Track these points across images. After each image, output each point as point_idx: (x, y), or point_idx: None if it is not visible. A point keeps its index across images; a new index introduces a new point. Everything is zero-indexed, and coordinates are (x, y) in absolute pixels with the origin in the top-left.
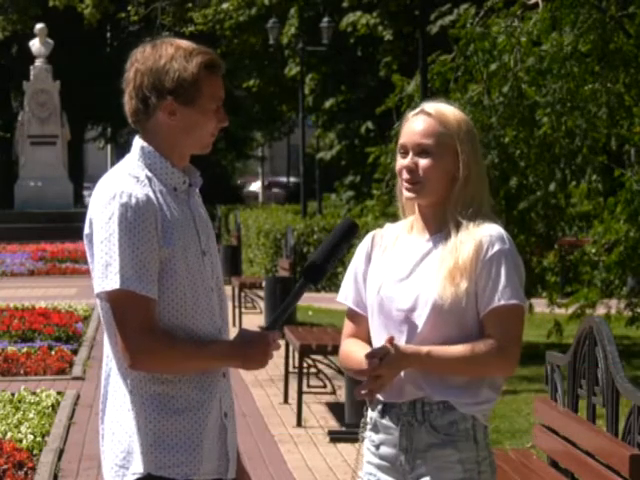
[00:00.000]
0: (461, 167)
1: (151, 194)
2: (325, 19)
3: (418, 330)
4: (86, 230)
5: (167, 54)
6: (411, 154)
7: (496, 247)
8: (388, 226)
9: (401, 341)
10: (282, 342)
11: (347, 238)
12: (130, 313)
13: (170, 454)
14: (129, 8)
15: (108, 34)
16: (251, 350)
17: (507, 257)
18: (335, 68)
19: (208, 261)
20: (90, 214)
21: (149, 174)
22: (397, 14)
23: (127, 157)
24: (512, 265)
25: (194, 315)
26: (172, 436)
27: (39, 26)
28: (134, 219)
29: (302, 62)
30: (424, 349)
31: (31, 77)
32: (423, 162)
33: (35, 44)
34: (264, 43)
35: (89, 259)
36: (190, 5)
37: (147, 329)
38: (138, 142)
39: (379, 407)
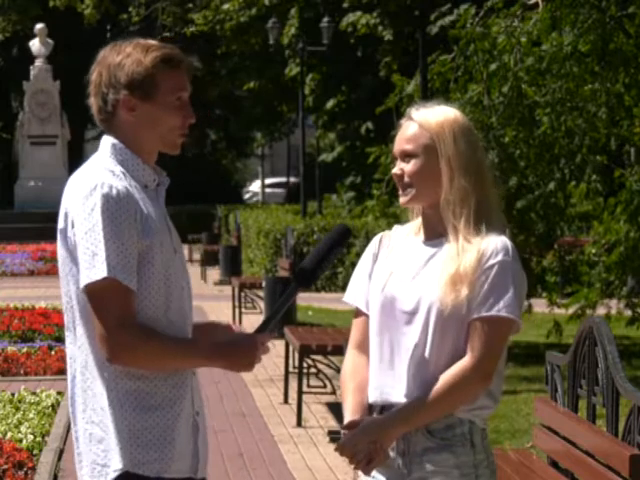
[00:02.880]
0: (443, 167)
1: (129, 187)
2: (325, 19)
3: (419, 333)
4: (60, 224)
5: (125, 51)
6: (398, 161)
7: (498, 257)
8: (397, 228)
9: (403, 343)
10: (282, 342)
11: (340, 243)
12: (112, 304)
13: (144, 451)
14: (130, 9)
15: (108, 34)
16: (238, 352)
17: (507, 269)
18: (335, 68)
19: (179, 259)
20: (65, 207)
21: (122, 170)
22: (397, 14)
23: (96, 155)
24: (511, 278)
25: (167, 310)
26: (146, 433)
27: (39, 26)
28: (116, 209)
29: (302, 62)
30: (402, 416)
31: (31, 77)
32: (407, 167)
33: (35, 44)
34: (264, 43)
35: (62, 254)
36: (190, 6)
37: (128, 322)
38: (108, 140)
39: (377, 409)
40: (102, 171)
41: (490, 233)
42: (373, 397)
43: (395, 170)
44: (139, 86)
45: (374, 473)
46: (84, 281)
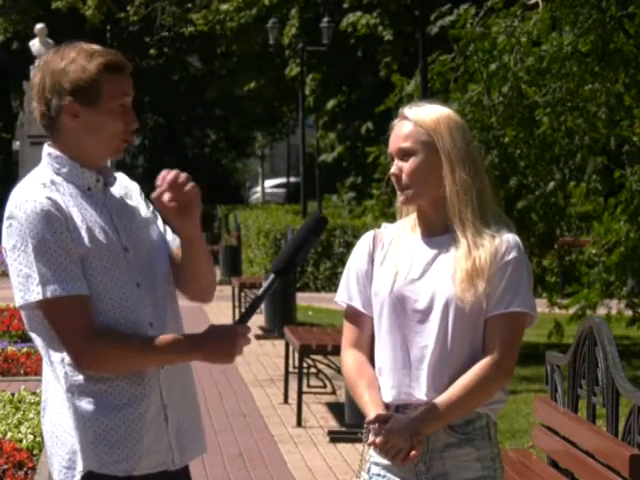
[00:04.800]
0: (444, 163)
1: (58, 198)
2: (325, 19)
3: (436, 331)
4: (3, 242)
5: (68, 57)
6: (396, 160)
7: (513, 254)
8: (386, 226)
9: (417, 342)
10: (282, 342)
11: (316, 233)
12: (64, 319)
13: (111, 451)
14: (128, 8)
15: (108, 34)
16: (216, 343)
17: (522, 265)
18: (335, 68)
19: (132, 256)
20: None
21: (57, 179)
22: (397, 14)
23: (38, 166)
24: (526, 274)
25: (122, 311)
26: (112, 433)
27: (39, 26)
28: (43, 225)
29: (302, 62)
30: (434, 414)
31: (31, 77)
32: (405, 165)
33: (35, 44)
34: (264, 44)
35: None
36: (190, 5)
37: (88, 331)
38: (45, 149)
39: (392, 409)
40: (31, 186)
41: (499, 227)
42: (389, 397)
43: (393, 169)
44: (83, 92)
45: (385, 473)
46: (18, 302)
